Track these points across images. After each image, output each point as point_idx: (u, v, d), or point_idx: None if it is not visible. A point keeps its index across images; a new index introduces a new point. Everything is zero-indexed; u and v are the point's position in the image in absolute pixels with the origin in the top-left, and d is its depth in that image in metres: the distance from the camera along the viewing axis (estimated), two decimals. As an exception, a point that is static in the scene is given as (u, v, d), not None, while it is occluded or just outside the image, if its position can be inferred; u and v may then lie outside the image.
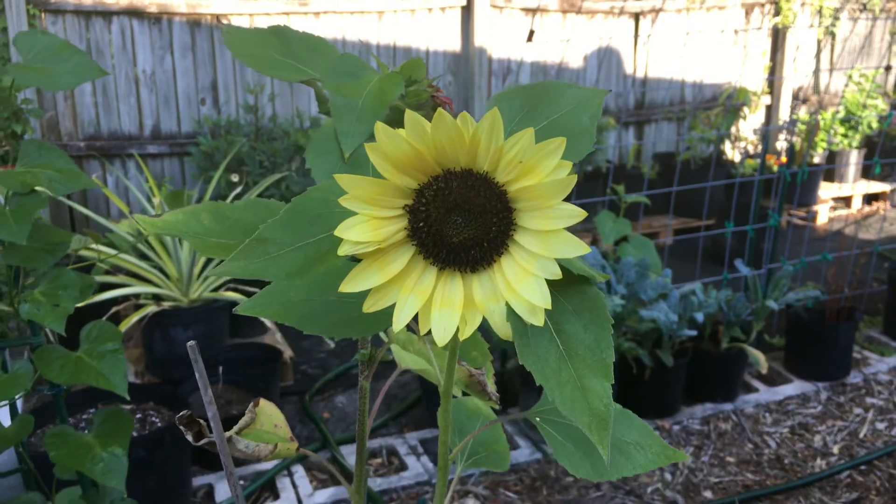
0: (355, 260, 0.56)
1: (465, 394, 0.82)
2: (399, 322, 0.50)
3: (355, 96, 0.63)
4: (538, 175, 0.47)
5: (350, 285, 0.51)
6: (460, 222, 0.51)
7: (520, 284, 0.49)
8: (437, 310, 0.50)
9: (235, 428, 0.70)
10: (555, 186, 0.47)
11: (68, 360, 1.24)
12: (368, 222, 0.50)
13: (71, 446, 1.26)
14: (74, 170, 1.27)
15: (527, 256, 0.49)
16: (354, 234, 0.50)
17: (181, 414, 0.67)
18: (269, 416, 0.74)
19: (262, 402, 0.74)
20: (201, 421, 0.67)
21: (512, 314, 0.50)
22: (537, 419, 0.65)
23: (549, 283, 0.49)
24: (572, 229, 0.50)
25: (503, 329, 0.50)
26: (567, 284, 0.53)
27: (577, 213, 0.47)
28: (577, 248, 0.47)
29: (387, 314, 0.62)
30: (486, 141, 0.48)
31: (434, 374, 0.84)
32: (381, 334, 0.76)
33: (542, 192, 0.47)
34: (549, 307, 0.48)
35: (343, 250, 0.50)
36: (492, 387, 0.71)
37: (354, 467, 0.76)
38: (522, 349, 0.51)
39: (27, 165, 1.27)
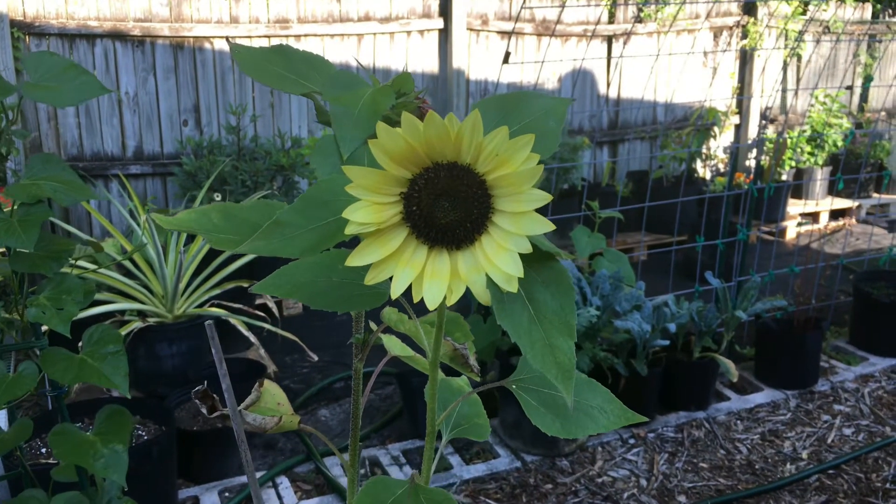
0: (349, 248, 0.65)
1: (449, 374, 0.91)
2: (396, 290, 0.59)
3: (352, 106, 0.72)
4: (512, 165, 0.57)
5: (355, 260, 0.60)
6: (447, 206, 0.60)
7: (497, 258, 0.58)
8: (428, 281, 0.60)
9: (244, 404, 0.78)
10: (526, 174, 0.57)
11: (72, 362, 1.31)
12: (370, 207, 0.59)
13: (73, 443, 1.33)
14: (78, 182, 1.35)
15: (503, 234, 0.59)
16: (358, 216, 0.59)
17: (196, 389, 0.74)
18: (272, 395, 0.82)
19: (266, 382, 0.82)
20: (215, 396, 0.75)
21: (491, 283, 0.59)
22: (513, 386, 0.75)
23: (522, 258, 0.59)
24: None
25: (483, 296, 0.60)
26: (537, 260, 0.62)
27: (543, 197, 0.57)
28: (544, 226, 0.57)
29: (379, 294, 0.71)
30: (468, 137, 0.57)
31: (419, 360, 0.93)
32: (372, 324, 0.85)
33: (515, 179, 0.57)
34: (522, 276, 0.57)
35: (349, 230, 0.60)
36: (473, 360, 0.80)
37: (350, 436, 0.84)
38: (500, 313, 0.61)
39: (33, 178, 1.35)
